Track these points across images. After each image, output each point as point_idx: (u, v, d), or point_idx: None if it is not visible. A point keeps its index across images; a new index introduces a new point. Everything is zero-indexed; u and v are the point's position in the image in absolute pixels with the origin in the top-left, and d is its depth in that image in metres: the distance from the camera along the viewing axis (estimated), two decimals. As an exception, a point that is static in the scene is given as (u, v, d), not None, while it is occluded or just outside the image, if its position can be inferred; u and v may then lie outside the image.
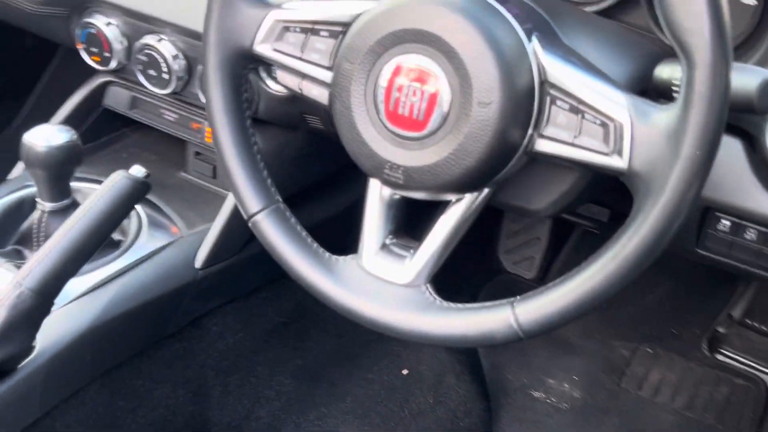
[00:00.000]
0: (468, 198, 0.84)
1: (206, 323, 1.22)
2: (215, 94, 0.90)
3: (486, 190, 0.84)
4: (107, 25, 1.22)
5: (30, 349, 0.99)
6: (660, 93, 0.84)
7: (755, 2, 0.95)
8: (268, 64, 0.90)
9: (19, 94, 1.78)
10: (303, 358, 1.37)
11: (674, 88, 0.82)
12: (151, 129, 1.33)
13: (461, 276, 1.73)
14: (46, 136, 1.07)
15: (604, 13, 1.01)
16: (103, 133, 1.37)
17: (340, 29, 0.84)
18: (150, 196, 1.24)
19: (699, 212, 0.94)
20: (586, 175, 0.88)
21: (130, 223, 1.18)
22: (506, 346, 1.65)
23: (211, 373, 1.24)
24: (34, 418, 1.00)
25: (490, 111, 0.76)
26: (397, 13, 0.79)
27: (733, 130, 0.91)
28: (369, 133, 0.81)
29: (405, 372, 1.42)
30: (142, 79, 1.22)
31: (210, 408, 1.25)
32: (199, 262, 1.15)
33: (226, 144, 0.90)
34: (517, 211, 0.95)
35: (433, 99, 0.78)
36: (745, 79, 0.78)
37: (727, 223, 0.93)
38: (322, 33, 0.86)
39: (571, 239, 1.80)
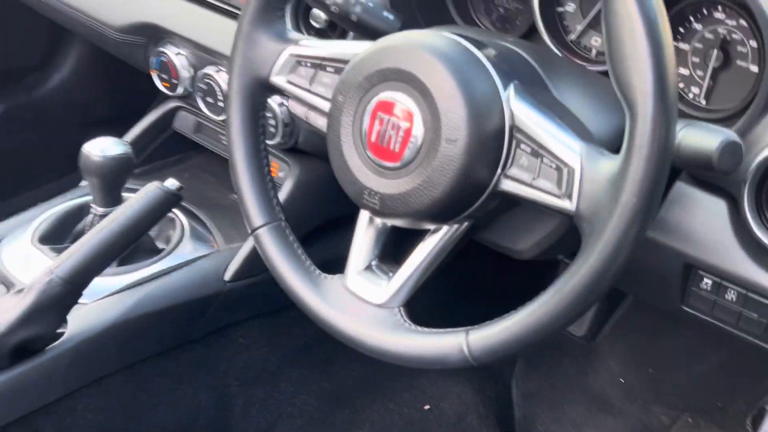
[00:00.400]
0: (444, 229, 0.90)
1: (232, 334, 1.30)
2: (234, 116, 1.00)
3: (465, 224, 0.90)
4: (177, 55, 1.35)
5: (59, 335, 1.10)
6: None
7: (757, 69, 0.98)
8: (282, 94, 0.98)
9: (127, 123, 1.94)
10: (329, 382, 1.43)
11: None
12: (214, 153, 1.45)
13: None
14: (102, 147, 1.19)
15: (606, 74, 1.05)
16: (172, 153, 1.50)
17: (343, 66, 0.92)
18: (198, 212, 1.36)
19: (681, 269, 0.96)
20: (565, 221, 0.92)
21: (174, 234, 1.28)
22: (542, 397, 1.66)
23: (234, 383, 1.33)
24: (57, 396, 1.10)
25: (455, 148, 0.82)
26: (384, 53, 0.86)
27: (718, 191, 0.94)
28: (353, 160, 0.89)
29: (427, 407, 1.46)
30: (201, 105, 1.33)
31: (232, 417, 1.33)
32: (228, 275, 1.25)
33: (239, 161, 1.00)
34: (503, 251, 1.00)
35: (408, 133, 0.85)
36: (707, 138, 0.81)
37: (709, 282, 0.95)
38: (329, 69, 0.95)
39: (625, 303, 1.80)
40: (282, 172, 1.31)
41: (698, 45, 1.03)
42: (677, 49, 1.04)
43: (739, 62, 1.00)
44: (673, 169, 0.94)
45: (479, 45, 0.87)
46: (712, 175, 0.93)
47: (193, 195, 1.38)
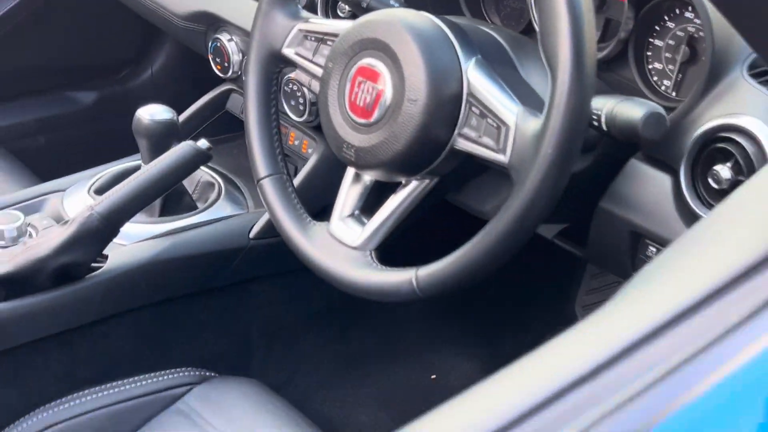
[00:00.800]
0: (414, 184, 1.03)
1: (255, 288, 1.45)
2: (251, 83, 1.16)
3: (433, 180, 1.03)
4: (229, 41, 1.52)
5: (97, 268, 1.27)
6: (585, 121, 0.99)
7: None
8: (292, 64, 1.14)
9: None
10: (345, 345, 1.57)
11: (593, 117, 0.97)
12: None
13: (536, 318, 1.85)
14: (151, 112, 1.37)
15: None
16: (224, 132, 1.67)
17: (339, 39, 1.07)
18: (236, 180, 1.52)
19: (629, 237, 1.06)
20: None
21: (211, 195, 1.45)
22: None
23: (255, 334, 1.48)
24: (92, 319, 1.27)
25: (416, 107, 0.95)
26: (366, 26, 1.01)
27: (665, 167, 1.04)
28: (336, 118, 1.03)
29: (433, 377, 1.58)
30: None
31: (252, 366, 1.48)
32: (252, 233, 1.40)
33: (252, 121, 1.15)
34: (472, 212, 1.13)
35: (380, 94, 0.99)
36: (635, 109, 0.92)
37: (654, 249, 1.05)
38: (329, 42, 1.09)
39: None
40: (311, 149, 1.47)
41: (671, 42, 1.13)
42: (653, 46, 1.15)
43: (704, 58, 1.10)
44: (628, 146, 1.06)
45: (452, 25, 1.00)
46: (661, 152, 1.03)
47: (236, 166, 1.55)
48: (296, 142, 1.50)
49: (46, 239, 1.20)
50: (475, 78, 0.96)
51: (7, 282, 1.19)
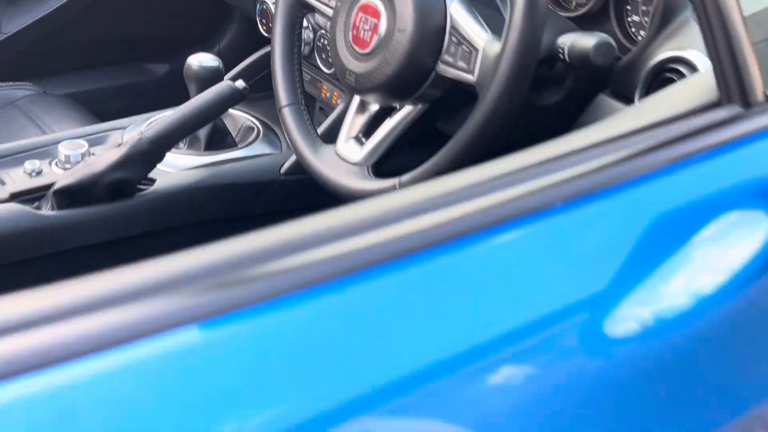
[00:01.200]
0: (406, 108, 1.20)
1: (285, 220, 1.63)
2: (278, 25, 1.34)
3: (426, 105, 1.19)
4: (273, 3, 1.71)
5: (145, 188, 1.47)
6: (553, 55, 1.14)
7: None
8: (312, 9, 1.32)
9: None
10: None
11: (559, 51, 1.12)
12: (301, 89, 1.79)
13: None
14: (200, 60, 1.57)
15: (577, 19, 1.31)
16: (270, 87, 1.86)
17: (351, -14, 1.25)
18: (275, 127, 1.71)
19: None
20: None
21: (251, 136, 1.65)
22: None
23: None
24: (140, 232, 1.47)
25: (404, 36, 1.12)
26: (368, -30, 1.18)
27: (625, 99, 1.18)
28: (342, 50, 1.21)
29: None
30: (286, 43, 1.69)
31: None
32: (283, 169, 1.59)
33: (277, 58, 1.34)
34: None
35: (376, 27, 1.16)
36: (587, 39, 1.07)
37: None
38: (342, -12, 1.27)
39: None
40: (340, 99, 1.64)
41: (647, -4, 1.28)
42: (634, 2, 1.29)
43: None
44: (596, 82, 1.20)
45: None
46: (622, 85, 1.17)
47: (275, 117, 1.73)
48: (328, 94, 1.68)
49: (102, 158, 1.40)
50: (457, 13, 1.12)
51: (68, 193, 1.40)
